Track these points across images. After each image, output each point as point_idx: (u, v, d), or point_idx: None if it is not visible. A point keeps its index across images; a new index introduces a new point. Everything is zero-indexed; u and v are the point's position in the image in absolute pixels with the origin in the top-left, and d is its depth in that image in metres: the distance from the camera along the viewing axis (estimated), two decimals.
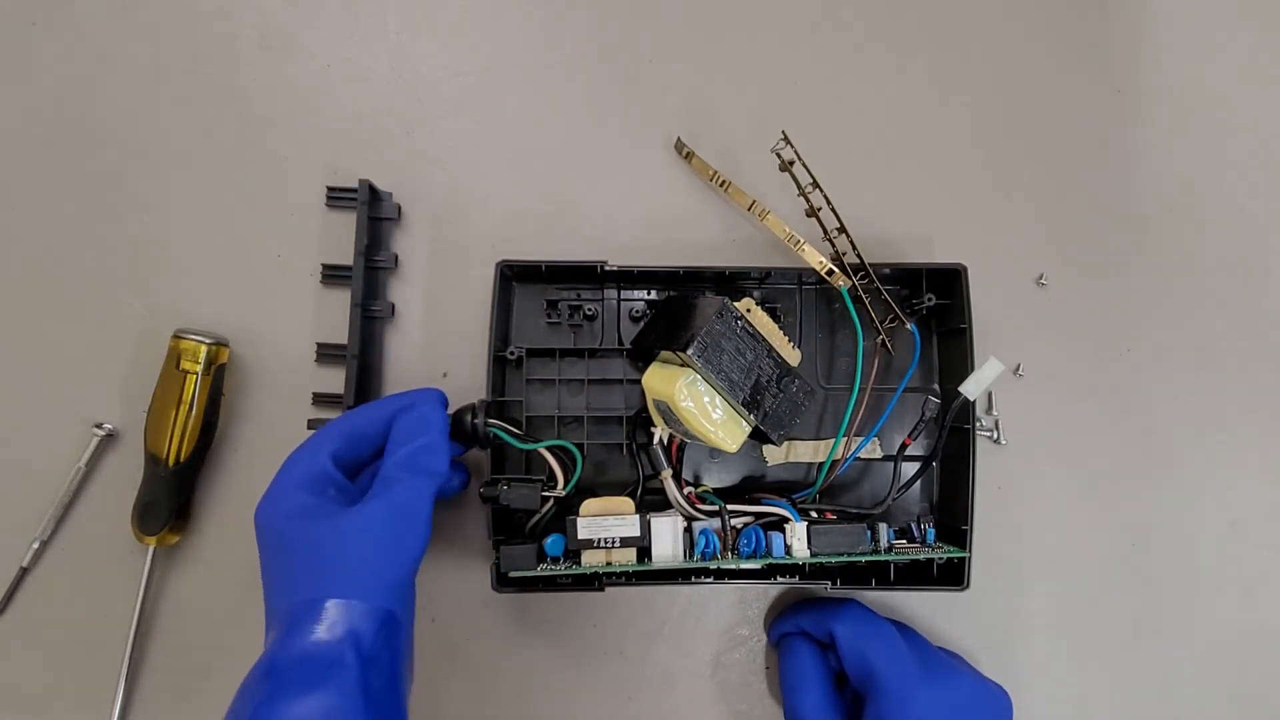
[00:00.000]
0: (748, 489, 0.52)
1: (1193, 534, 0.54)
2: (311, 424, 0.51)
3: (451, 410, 0.47)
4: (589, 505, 0.46)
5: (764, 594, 0.53)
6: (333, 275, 0.53)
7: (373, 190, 0.52)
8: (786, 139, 0.48)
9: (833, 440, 0.50)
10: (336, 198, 0.53)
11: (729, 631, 0.53)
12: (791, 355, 0.45)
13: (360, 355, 0.50)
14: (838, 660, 0.48)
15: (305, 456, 0.43)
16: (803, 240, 0.48)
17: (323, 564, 0.39)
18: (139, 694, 0.50)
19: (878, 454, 0.52)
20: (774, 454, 0.52)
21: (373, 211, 0.52)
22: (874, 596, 0.53)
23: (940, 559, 0.49)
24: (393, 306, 0.53)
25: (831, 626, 0.47)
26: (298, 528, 0.40)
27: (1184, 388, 0.55)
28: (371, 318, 0.52)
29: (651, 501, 0.49)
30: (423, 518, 0.42)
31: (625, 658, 0.52)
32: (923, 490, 0.52)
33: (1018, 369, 0.54)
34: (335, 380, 0.51)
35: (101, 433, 0.51)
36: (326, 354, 0.52)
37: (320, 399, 0.52)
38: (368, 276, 0.51)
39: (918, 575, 0.50)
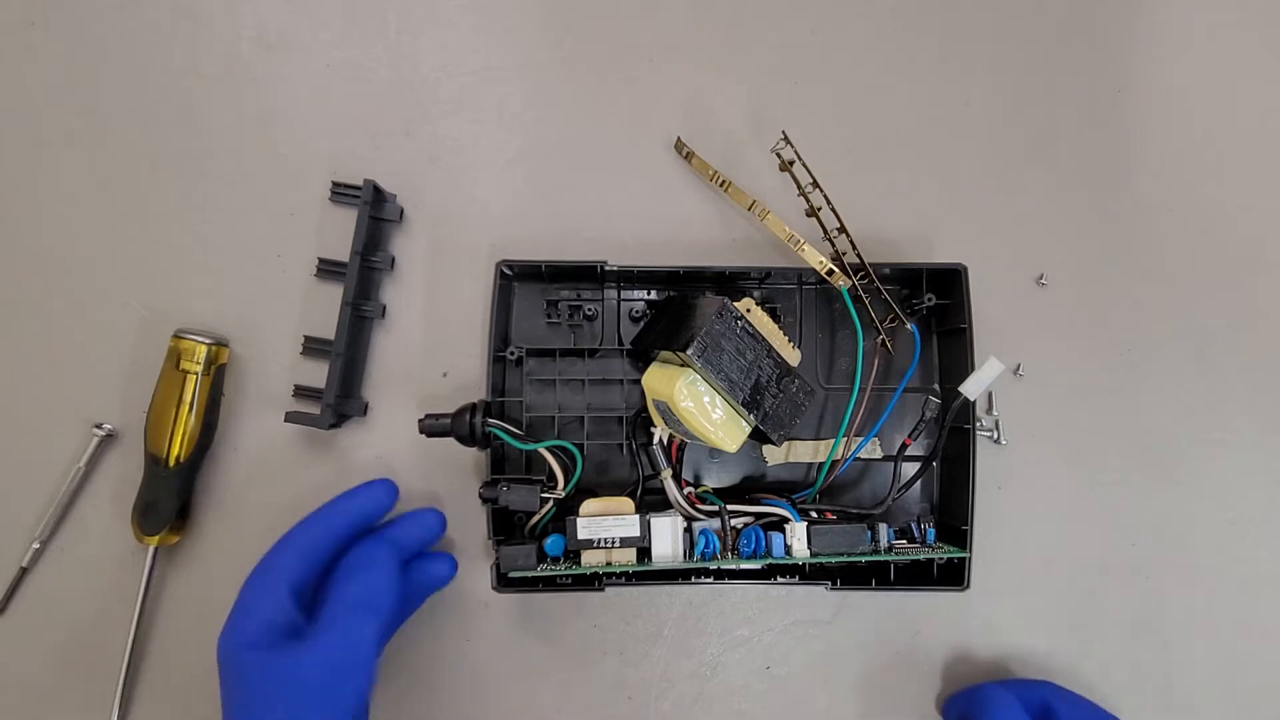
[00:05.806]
0: (748, 489, 0.52)
1: (1193, 533, 0.54)
2: (289, 417, 0.50)
3: (452, 410, 0.47)
4: (589, 505, 0.46)
5: (764, 594, 0.53)
6: (328, 270, 0.53)
7: (377, 191, 0.52)
8: (786, 139, 0.48)
9: (833, 440, 0.50)
10: (340, 193, 0.53)
11: (729, 632, 0.53)
12: (791, 355, 0.45)
13: (346, 352, 0.50)
14: None
15: (260, 582, 0.42)
16: (803, 240, 0.48)
17: (260, 710, 0.38)
18: (139, 694, 0.50)
19: (878, 454, 0.52)
20: (774, 454, 0.52)
21: (375, 212, 0.52)
22: (873, 597, 0.53)
23: (940, 559, 0.49)
24: (384, 307, 0.53)
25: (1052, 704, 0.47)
26: (243, 665, 0.40)
27: (1184, 388, 0.55)
28: (362, 317, 0.52)
29: (651, 501, 0.49)
30: (362, 662, 0.40)
31: (625, 658, 0.52)
32: (923, 490, 0.52)
33: (1018, 369, 0.54)
34: (319, 374, 0.51)
35: (101, 433, 0.51)
36: (312, 348, 0.52)
37: (301, 391, 0.52)
38: (362, 276, 0.51)
39: (918, 575, 0.50)
